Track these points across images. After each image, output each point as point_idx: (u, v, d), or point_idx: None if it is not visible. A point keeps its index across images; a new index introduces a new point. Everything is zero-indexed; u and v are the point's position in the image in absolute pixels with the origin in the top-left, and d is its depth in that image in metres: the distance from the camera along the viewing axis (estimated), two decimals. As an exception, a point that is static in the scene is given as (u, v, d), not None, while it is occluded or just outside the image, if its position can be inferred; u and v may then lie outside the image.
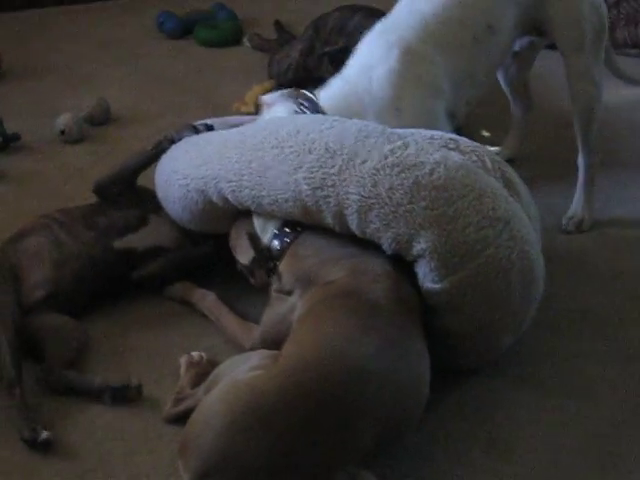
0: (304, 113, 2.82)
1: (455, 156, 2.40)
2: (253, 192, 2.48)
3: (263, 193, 2.46)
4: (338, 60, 3.66)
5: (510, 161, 2.94)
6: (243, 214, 2.61)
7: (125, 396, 2.38)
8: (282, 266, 2.47)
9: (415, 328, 2.25)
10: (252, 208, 2.54)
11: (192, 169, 2.63)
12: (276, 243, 2.51)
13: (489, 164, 2.49)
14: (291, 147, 2.43)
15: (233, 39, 4.54)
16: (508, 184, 2.49)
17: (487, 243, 2.29)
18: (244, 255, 2.58)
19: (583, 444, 2.31)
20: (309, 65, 3.96)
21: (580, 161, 3.14)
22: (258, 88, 3.91)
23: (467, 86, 2.89)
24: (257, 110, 3.56)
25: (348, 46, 3.54)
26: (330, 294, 2.27)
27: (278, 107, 2.87)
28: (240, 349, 2.51)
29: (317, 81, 3.87)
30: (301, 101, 2.84)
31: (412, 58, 2.79)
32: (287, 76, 4.00)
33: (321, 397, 1.99)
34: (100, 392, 2.38)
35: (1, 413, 2.35)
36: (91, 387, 2.40)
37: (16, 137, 3.63)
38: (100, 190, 2.88)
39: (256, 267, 2.57)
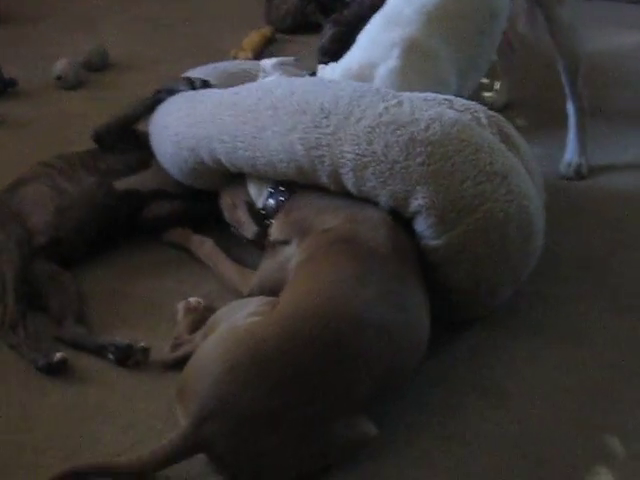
0: None
1: (450, 112, 2.38)
2: (247, 153, 2.47)
3: (257, 154, 2.45)
4: (328, 8, 3.64)
5: (506, 107, 2.92)
6: (233, 178, 2.61)
7: (129, 356, 2.34)
8: (277, 219, 2.46)
9: (414, 276, 2.24)
10: (246, 170, 2.53)
11: (184, 127, 2.61)
12: (271, 202, 2.51)
13: (484, 121, 2.45)
14: (286, 108, 2.42)
15: (231, -16, 4.49)
16: (505, 139, 2.46)
17: (485, 198, 2.27)
18: (248, 230, 2.58)
19: (579, 388, 2.30)
20: (307, 11, 3.91)
21: (569, 107, 3.16)
22: (256, 34, 3.88)
23: (472, 74, 2.84)
24: (255, 56, 3.55)
25: None
26: (328, 241, 2.25)
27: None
28: (237, 295, 2.50)
29: (316, 27, 3.87)
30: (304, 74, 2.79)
31: (416, 55, 2.70)
32: (285, 22, 3.97)
33: (319, 345, 1.98)
34: (103, 349, 2.36)
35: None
36: (95, 343, 2.38)
37: (13, 83, 3.61)
38: (99, 138, 2.86)
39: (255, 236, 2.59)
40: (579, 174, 3.13)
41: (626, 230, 2.88)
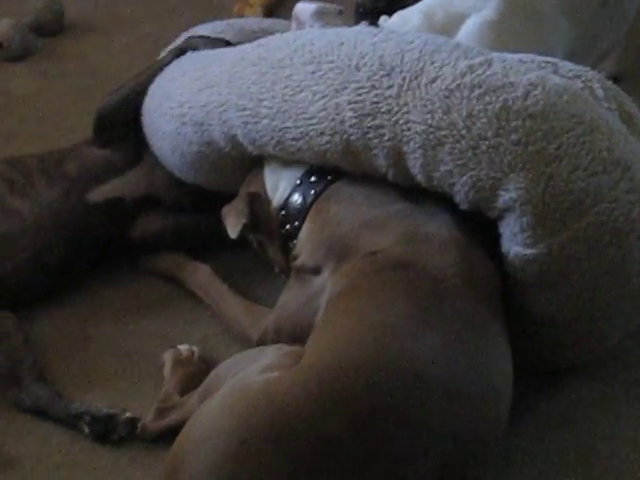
0: None
1: (556, 78, 2.38)
2: (274, 123, 2.48)
3: (288, 124, 2.46)
4: None
5: (614, 79, 2.94)
6: (249, 172, 2.63)
7: (109, 430, 2.37)
8: (305, 233, 2.47)
9: (494, 319, 2.25)
10: (269, 148, 2.53)
11: (191, 94, 2.65)
12: (296, 197, 2.52)
13: (600, 92, 2.46)
14: (332, 63, 2.43)
15: None
16: (627, 119, 2.45)
17: (600, 195, 2.27)
18: (232, 224, 2.56)
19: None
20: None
21: None
22: (264, -15, 3.92)
23: (586, 57, 2.87)
24: (266, 13, 3.57)
25: None
26: (375, 268, 2.26)
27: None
28: (244, 342, 2.54)
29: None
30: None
31: (518, 11, 2.74)
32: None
33: (363, 413, 1.98)
34: (77, 418, 2.39)
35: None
36: (66, 411, 2.40)
37: (-63, 53, 3.65)
38: (103, 122, 2.88)
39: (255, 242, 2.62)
40: None
41: None
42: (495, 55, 2.40)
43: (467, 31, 2.70)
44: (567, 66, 2.50)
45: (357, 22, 3.02)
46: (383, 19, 2.80)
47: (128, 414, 2.36)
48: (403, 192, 2.40)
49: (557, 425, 2.42)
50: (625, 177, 2.29)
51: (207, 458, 1.96)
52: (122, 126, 2.86)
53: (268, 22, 3.19)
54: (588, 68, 2.54)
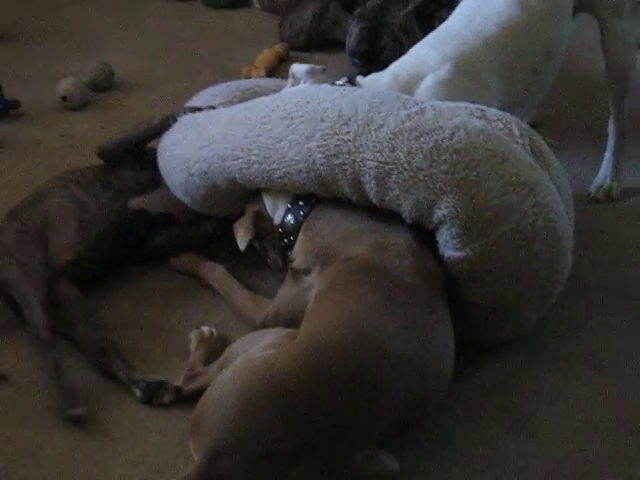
0: None
1: (476, 121, 2.41)
2: (262, 167, 2.49)
3: (274, 166, 2.47)
4: (350, 3, 3.66)
5: (533, 126, 2.94)
6: (251, 196, 2.62)
7: (158, 395, 2.35)
8: (298, 243, 2.47)
9: (441, 307, 2.26)
10: (262, 184, 2.54)
11: (194, 151, 2.64)
12: (290, 218, 2.53)
13: (516, 132, 2.49)
14: (302, 117, 2.44)
15: (242, 0, 4.53)
16: (537, 153, 2.49)
17: (511, 209, 2.30)
18: (241, 238, 2.58)
19: (609, 422, 2.32)
20: (323, 27, 3.95)
21: (611, 127, 3.17)
22: (269, 52, 3.92)
23: (516, 111, 2.83)
24: (268, 74, 3.57)
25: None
26: (351, 270, 2.27)
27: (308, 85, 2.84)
28: (250, 324, 2.53)
29: (332, 44, 3.91)
30: (339, 83, 2.80)
31: (466, 73, 2.76)
32: (299, 39, 4.01)
33: (341, 378, 2.00)
34: (133, 383, 2.37)
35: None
36: (128, 375, 2.39)
37: (16, 104, 3.64)
38: (104, 155, 2.89)
39: (264, 250, 2.62)
40: (609, 197, 3.15)
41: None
42: (428, 104, 2.43)
43: (425, 87, 2.72)
44: (492, 112, 2.55)
45: (351, 62, 3.04)
46: (359, 77, 2.79)
47: (175, 383, 2.35)
48: (371, 211, 2.41)
49: (487, 387, 2.41)
50: (530, 195, 2.32)
51: (222, 413, 1.98)
52: (122, 159, 2.85)
53: (261, 81, 3.19)
54: (509, 114, 2.57)
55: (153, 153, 2.85)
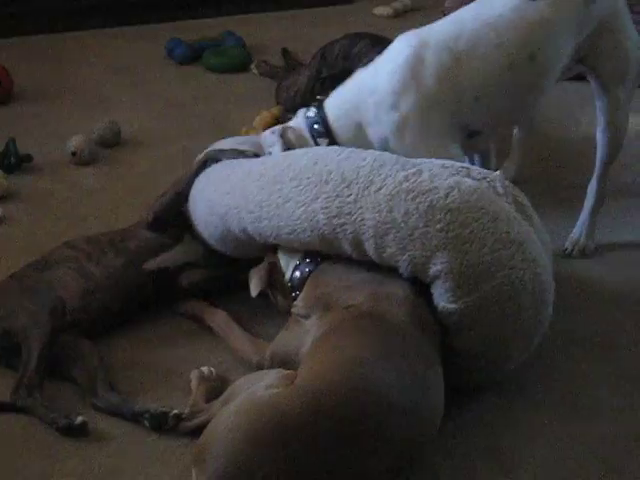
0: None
1: (468, 181, 2.47)
2: (272, 223, 2.56)
3: (281, 224, 2.54)
4: (338, 80, 3.75)
5: (513, 182, 2.97)
6: (268, 247, 2.69)
7: (163, 423, 2.39)
8: (302, 293, 2.53)
9: (435, 355, 2.31)
10: (270, 240, 2.61)
11: (217, 195, 2.72)
12: (297, 274, 2.59)
13: (500, 190, 2.55)
14: (309, 178, 2.51)
15: (241, 66, 4.60)
16: (520, 208, 2.55)
17: (502, 265, 2.35)
18: (254, 286, 2.65)
19: (585, 461, 2.36)
20: (317, 91, 4.01)
21: (592, 188, 3.18)
22: (266, 113, 3.97)
23: (496, 107, 2.86)
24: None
25: (350, 69, 3.63)
26: (351, 317, 2.32)
27: (275, 148, 2.90)
28: (247, 365, 2.58)
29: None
30: (310, 115, 2.87)
31: (423, 61, 2.77)
32: (295, 102, 4.05)
33: (342, 421, 2.04)
34: (139, 416, 2.42)
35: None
36: (131, 410, 2.44)
37: (29, 158, 3.68)
38: (157, 224, 2.90)
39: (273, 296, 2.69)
40: (584, 254, 3.18)
41: (630, 309, 2.94)
42: (425, 165, 2.48)
43: (383, 72, 2.80)
44: (477, 170, 2.61)
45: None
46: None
47: (175, 411, 2.40)
48: (370, 265, 2.47)
49: (470, 425, 2.46)
50: (519, 251, 2.38)
51: (228, 446, 2.02)
52: (171, 219, 2.90)
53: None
54: (492, 171, 2.64)
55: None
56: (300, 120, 2.94)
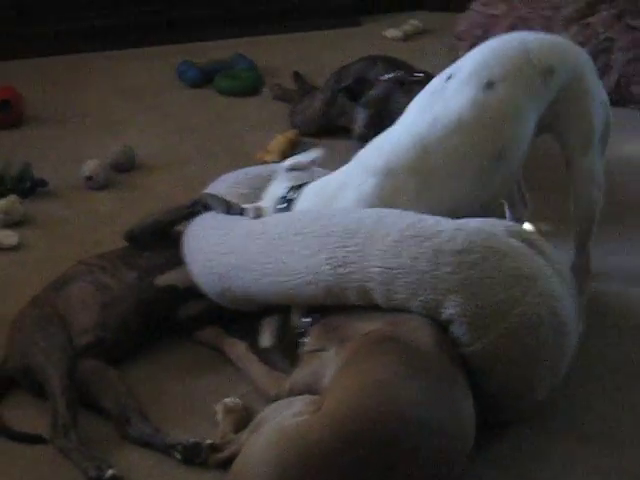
0: None
1: (473, 221, 2.45)
2: (274, 279, 2.53)
3: (284, 279, 2.51)
4: (356, 93, 3.73)
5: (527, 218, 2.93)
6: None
7: (196, 455, 2.35)
8: (311, 333, 2.52)
9: (459, 373, 2.28)
10: (272, 297, 2.59)
11: (216, 255, 2.67)
12: (307, 320, 2.57)
13: (504, 230, 2.48)
14: (313, 232, 2.49)
15: (253, 89, 4.58)
16: (530, 245, 2.47)
17: (515, 302, 2.31)
18: (266, 340, 2.66)
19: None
20: (332, 115, 4.00)
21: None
22: (281, 137, 3.94)
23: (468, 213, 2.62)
24: (281, 159, 3.59)
25: (363, 78, 3.61)
26: (371, 341, 2.29)
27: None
28: (265, 398, 2.53)
29: (340, 130, 3.96)
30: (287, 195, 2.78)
31: (389, 192, 2.63)
32: (310, 126, 4.05)
33: (373, 445, 2.01)
34: (171, 448, 2.38)
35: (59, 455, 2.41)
36: (163, 442, 2.40)
37: (43, 183, 3.66)
38: (131, 238, 2.92)
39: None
40: None
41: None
42: (427, 215, 2.45)
43: (345, 199, 2.66)
44: (477, 219, 2.50)
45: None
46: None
47: (209, 441, 2.36)
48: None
49: (504, 456, 2.44)
50: (532, 286, 2.33)
51: (256, 479, 1.99)
52: (150, 241, 2.87)
53: (276, 166, 3.10)
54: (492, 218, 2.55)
55: (178, 233, 2.86)
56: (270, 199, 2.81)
